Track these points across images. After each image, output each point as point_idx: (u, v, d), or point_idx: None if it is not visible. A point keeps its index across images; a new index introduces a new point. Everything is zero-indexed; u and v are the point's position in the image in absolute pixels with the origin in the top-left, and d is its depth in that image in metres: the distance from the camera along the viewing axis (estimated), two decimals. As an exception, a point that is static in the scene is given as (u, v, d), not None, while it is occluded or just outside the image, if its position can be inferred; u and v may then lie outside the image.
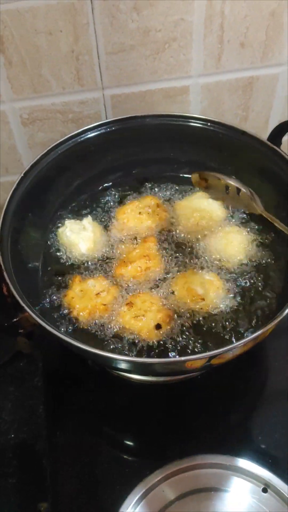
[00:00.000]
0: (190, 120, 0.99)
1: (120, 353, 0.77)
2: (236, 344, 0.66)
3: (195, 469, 0.80)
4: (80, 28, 0.94)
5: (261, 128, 1.18)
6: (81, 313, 0.82)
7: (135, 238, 0.93)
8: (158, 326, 0.78)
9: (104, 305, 0.82)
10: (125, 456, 0.86)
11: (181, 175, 1.05)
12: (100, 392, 0.92)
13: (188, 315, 0.81)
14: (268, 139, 0.94)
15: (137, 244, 0.91)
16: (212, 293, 0.82)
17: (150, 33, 0.97)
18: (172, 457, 0.80)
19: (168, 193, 1.01)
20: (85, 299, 0.82)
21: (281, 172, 0.90)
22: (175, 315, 0.81)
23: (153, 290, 0.85)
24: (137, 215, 0.94)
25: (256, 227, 0.93)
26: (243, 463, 0.79)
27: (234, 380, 0.91)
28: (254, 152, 0.94)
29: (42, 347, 0.93)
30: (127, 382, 0.91)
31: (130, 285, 0.85)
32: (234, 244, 0.87)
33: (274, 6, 0.96)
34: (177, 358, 0.66)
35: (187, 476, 0.79)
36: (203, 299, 0.81)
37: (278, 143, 0.93)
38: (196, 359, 0.64)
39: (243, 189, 0.92)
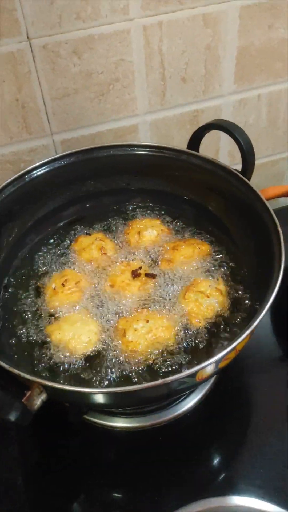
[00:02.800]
0: (135, 149, 0.98)
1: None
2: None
3: (198, 517, 0.72)
4: (22, 76, 0.94)
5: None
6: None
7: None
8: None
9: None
10: (119, 517, 0.78)
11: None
12: (83, 451, 0.85)
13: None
14: (188, 147, 0.96)
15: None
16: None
17: (93, 76, 0.98)
18: (171, 508, 0.72)
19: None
20: None
21: (226, 184, 0.90)
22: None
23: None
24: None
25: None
26: (248, 501, 0.73)
27: (221, 414, 0.87)
28: (197, 169, 0.94)
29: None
30: (110, 433, 0.85)
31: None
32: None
33: (209, 40, 1.01)
34: (188, 371, 0.61)
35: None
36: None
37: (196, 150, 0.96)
38: (205, 367, 0.61)
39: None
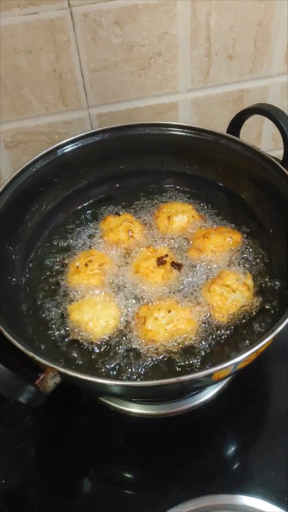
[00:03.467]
0: (171, 129, 0.93)
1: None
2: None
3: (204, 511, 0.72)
4: (61, 45, 0.90)
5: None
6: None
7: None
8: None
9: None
10: (125, 500, 0.78)
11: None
12: (97, 430, 0.85)
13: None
14: (228, 130, 0.92)
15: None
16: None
17: (134, 49, 0.94)
18: (177, 500, 0.72)
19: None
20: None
21: (264, 173, 0.86)
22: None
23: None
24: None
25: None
26: (255, 502, 0.71)
27: (237, 409, 0.84)
28: (235, 155, 0.90)
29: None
30: (125, 417, 0.84)
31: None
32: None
33: (261, 16, 0.94)
34: (204, 372, 0.59)
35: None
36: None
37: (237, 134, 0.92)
38: (222, 369, 0.59)
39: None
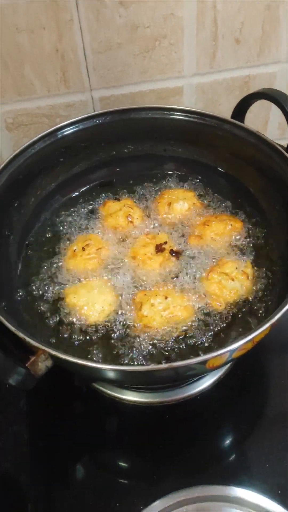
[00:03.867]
0: (174, 113, 0.91)
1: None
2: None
3: (194, 502, 0.70)
4: (64, 24, 0.89)
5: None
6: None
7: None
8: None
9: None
10: (115, 489, 0.77)
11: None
12: (91, 417, 0.84)
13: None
14: (232, 116, 0.90)
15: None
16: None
17: (139, 29, 0.92)
18: (169, 489, 0.71)
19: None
20: None
21: (268, 160, 0.84)
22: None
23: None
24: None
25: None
26: (249, 494, 0.70)
27: (234, 400, 0.83)
28: (239, 141, 0.88)
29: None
30: (120, 405, 0.83)
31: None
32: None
33: (270, -1, 0.91)
34: (197, 359, 0.58)
35: (185, 511, 0.70)
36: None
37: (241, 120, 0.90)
38: (217, 356, 0.58)
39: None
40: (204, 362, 0.60)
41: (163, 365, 0.57)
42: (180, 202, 0.89)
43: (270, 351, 0.88)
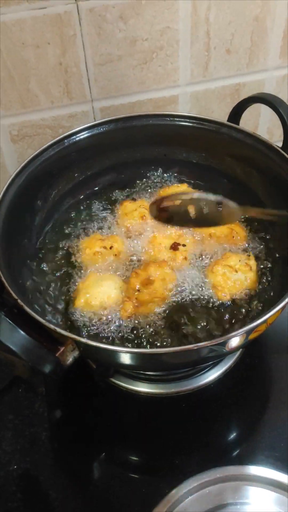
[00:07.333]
0: (174, 119, 0.96)
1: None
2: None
3: (216, 483, 0.74)
4: (68, 39, 0.93)
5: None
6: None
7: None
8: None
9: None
10: (139, 477, 0.80)
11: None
12: (107, 412, 0.86)
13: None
14: (228, 120, 0.95)
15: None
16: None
17: (137, 43, 0.97)
18: (190, 473, 0.74)
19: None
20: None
21: (266, 159, 0.89)
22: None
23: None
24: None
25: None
26: (267, 472, 0.74)
27: (247, 386, 0.87)
28: (237, 143, 0.93)
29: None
30: (135, 397, 0.86)
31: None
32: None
33: (257, 11, 0.98)
34: (219, 339, 0.62)
35: (209, 491, 0.73)
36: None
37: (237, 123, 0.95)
38: (236, 335, 0.62)
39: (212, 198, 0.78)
40: (224, 343, 0.64)
41: (189, 346, 0.60)
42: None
43: (275, 342, 0.93)
